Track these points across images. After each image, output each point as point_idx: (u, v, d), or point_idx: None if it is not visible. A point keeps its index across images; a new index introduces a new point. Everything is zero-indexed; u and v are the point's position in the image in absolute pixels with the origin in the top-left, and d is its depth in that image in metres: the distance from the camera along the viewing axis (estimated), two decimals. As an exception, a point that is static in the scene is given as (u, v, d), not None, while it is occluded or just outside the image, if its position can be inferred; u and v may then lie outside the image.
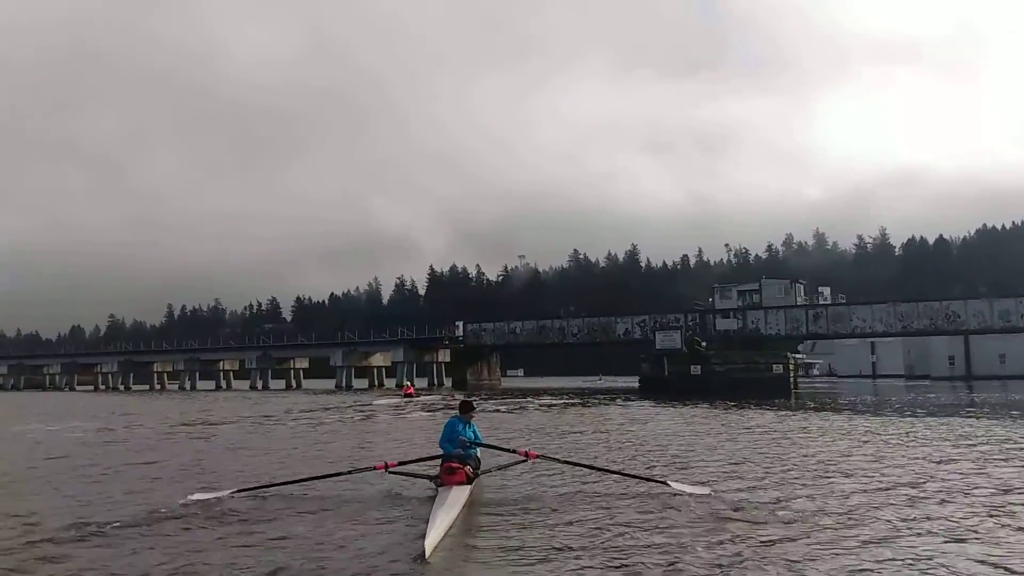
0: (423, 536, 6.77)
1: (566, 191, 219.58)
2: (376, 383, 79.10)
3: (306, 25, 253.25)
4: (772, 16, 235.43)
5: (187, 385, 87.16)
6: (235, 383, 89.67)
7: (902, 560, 6.22)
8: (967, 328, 55.74)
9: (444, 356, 76.80)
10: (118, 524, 7.89)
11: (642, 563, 6.22)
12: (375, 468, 9.59)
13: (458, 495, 8.26)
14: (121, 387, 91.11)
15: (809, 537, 7.05)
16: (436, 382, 76.46)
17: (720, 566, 6.10)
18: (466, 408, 10.21)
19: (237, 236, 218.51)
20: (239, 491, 9.36)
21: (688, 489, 9.30)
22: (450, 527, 7.33)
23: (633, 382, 58.26)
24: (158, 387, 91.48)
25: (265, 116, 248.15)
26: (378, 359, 79.94)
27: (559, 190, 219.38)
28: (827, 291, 64.42)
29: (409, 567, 6.18)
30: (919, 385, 58.59)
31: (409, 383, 58.04)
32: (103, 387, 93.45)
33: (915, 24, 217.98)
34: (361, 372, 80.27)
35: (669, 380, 46.13)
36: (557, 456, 11.39)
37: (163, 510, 8.57)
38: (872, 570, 5.95)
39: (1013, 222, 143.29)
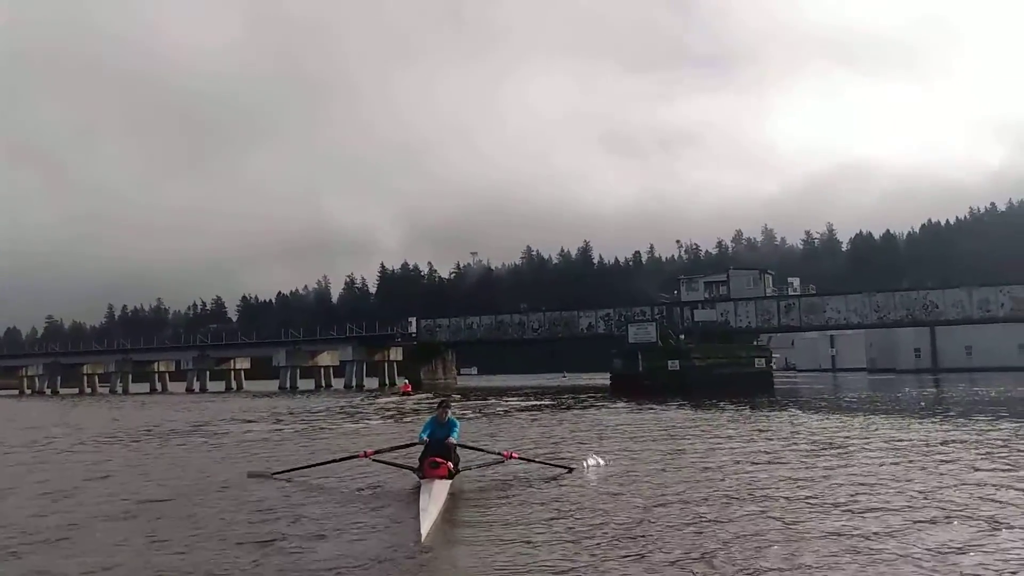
0: (416, 523, 7.40)
1: (521, 187, 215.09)
2: (323, 384, 72.68)
3: (259, 15, 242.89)
4: (732, 12, 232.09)
5: (119, 388, 79.56)
6: (171, 385, 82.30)
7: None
8: (945, 319, 52.00)
9: (396, 354, 70.83)
10: None
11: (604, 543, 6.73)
12: (359, 456, 10.40)
13: (441, 488, 8.57)
14: (47, 391, 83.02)
15: None
16: (388, 382, 70.49)
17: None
18: (440, 408, 10.24)
19: (182, 233, 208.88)
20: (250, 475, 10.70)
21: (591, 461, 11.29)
22: (437, 516, 7.74)
23: (599, 379, 53.45)
24: (88, 390, 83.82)
25: (213, 109, 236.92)
26: (325, 358, 73.50)
27: (514, 186, 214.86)
28: (796, 282, 60.43)
29: (409, 550, 6.69)
30: (886, 379, 55.03)
31: (407, 381, 55.03)
32: (28, 391, 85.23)
33: (870, 22, 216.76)
34: (307, 373, 73.68)
35: (644, 377, 41.21)
36: (532, 457, 11.65)
37: None
38: None
39: (957, 217, 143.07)
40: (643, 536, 6.92)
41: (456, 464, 9.60)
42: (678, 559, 6.13)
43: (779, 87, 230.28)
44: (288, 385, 68.87)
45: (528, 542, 6.80)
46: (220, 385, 77.41)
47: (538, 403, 32.11)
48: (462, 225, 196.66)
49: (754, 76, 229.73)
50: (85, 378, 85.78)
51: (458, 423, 10.34)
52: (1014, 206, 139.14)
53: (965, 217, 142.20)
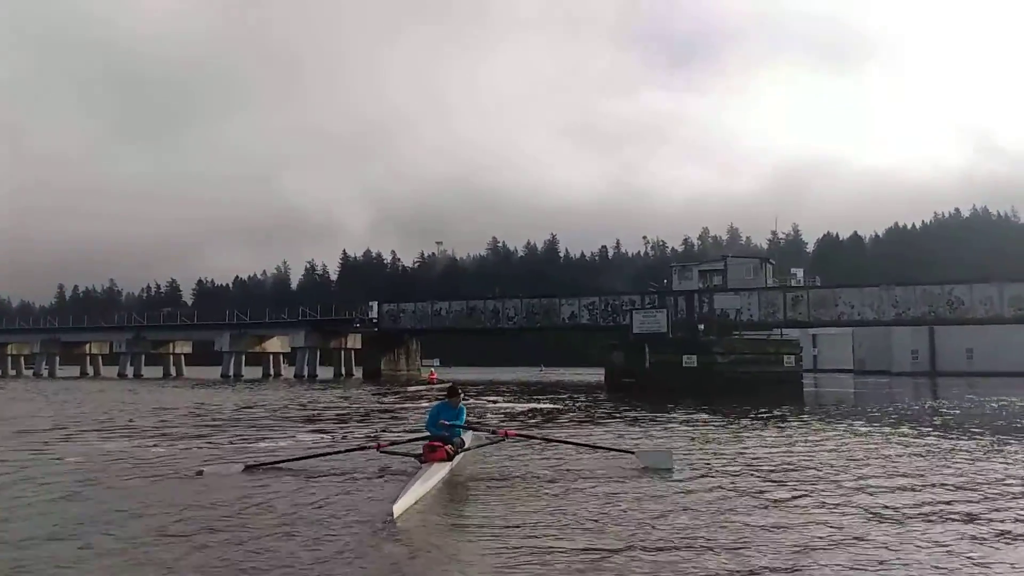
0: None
1: (486, 174, 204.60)
2: (272, 372, 63.22)
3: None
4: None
5: (44, 371, 69.05)
6: (104, 369, 71.92)
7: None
8: (972, 317, 44.87)
9: (354, 342, 61.67)
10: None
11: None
12: (368, 448, 10.04)
13: (437, 470, 8.34)
14: (-35, 372, 72.27)
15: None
16: (344, 372, 61.32)
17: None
18: (452, 394, 10.11)
19: (136, 210, 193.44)
20: (249, 467, 9.43)
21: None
22: (422, 497, 7.38)
23: (583, 374, 45.13)
24: (13, 372, 73.25)
25: (171, 80, 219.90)
26: (275, 344, 64.00)
27: (478, 173, 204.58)
28: (800, 273, 53.01)
29: (376, 527, 6.38)
30: (881, 381, 47.96)
31: (432, 370, 52.32)
32: (-56, 372, 74.19)
33: (848, 20, 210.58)
34: (254, 359, 64.07)
35: (651, 374, 33.10)
36: (531, 433, 12.13)
37: None
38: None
39: (924, 221, 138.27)
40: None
41: (460, 447, 9.43)
42: None
43: (750, 82, 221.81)
44: (231, 373, 59.29)
45: (512, 527, 6.44)
46: (158, 371, 67.42)
47: (539, 405, 23.58)
48: (427, 212, 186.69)
49: (730, 72, 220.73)
50: (9, 359, 75.20)
51: (464, 408, 10.16)
52: (978, 212, 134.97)
53: (930, 222, 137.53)
